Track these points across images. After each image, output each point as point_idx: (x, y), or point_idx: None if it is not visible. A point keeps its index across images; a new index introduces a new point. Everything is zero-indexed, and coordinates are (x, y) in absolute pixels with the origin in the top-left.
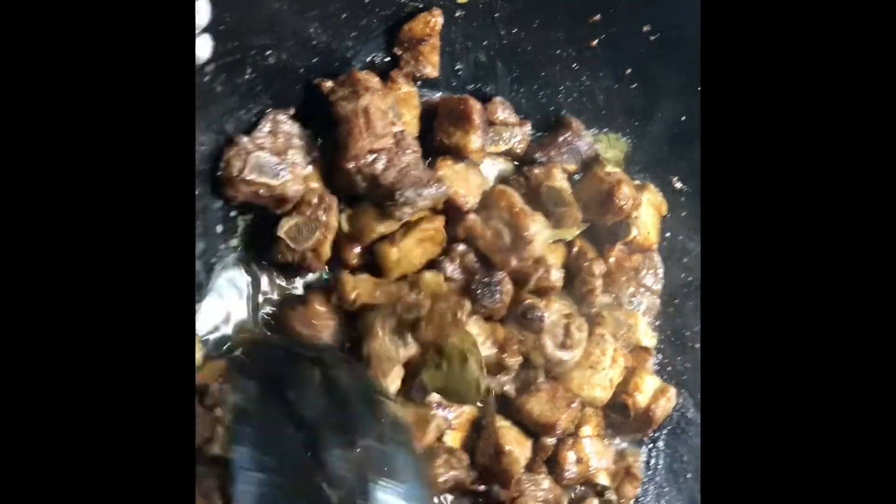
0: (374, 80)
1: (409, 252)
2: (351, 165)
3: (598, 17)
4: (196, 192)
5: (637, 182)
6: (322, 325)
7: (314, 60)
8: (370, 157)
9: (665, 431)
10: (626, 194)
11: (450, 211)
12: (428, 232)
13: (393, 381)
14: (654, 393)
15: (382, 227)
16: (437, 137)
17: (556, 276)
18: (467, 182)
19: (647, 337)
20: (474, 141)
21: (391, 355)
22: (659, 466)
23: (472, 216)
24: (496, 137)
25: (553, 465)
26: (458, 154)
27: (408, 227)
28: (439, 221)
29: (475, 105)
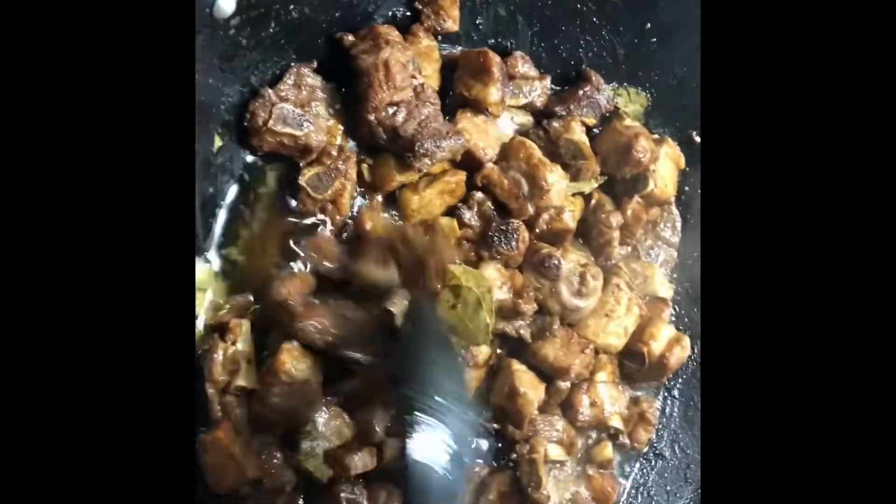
0: (394, 34)
1: (429, 202)
2: (372, 117)
3: None
4: (222, 143)
5: (656, 136)
6: (327, 249)
7: (336, 15)
8: (391, 110)
9: (681, 380)
10: (644, 147)
11: (469, 162)
12: (450, 185)
13: (398, 306)
14: (668, 342)
15: (402, 178)
16: (457, 90)
17: (568, 217)
18: (486, 135)
19: (664, 288)
20: (493, 94)
21: (373, 278)
22: (674, 414)
23: (490, 165)
24: (516, 91)
25: (568, 408)
26: (478, 107)
27: (432, 178)
28: (461, 175)
29: (494, 58)
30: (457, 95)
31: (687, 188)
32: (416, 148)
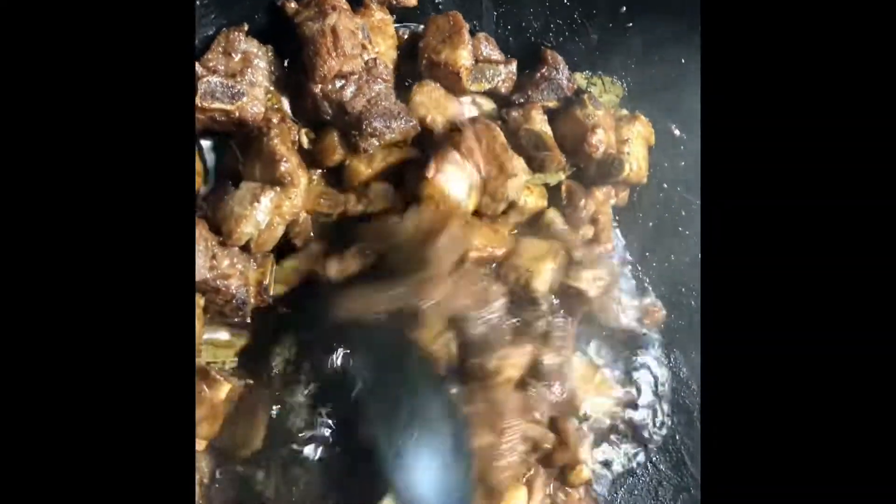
0: (342, 1)
1: (377, 173)
2: (317, 89)
3: None
4: None
5: (625, 113)
6: None
7: None
8: (338, 83)
9: None
10: (601, 139)
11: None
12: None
13: None
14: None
15: (342, 156)
16: (425, 56)
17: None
18: (445, 111)
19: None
20: (464, 56)
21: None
22: None
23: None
24: (479, 75)
25: None
26: (448, 72)
27: (388, 151)
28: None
29: (464, 21)
30: (425, 61)
31: (666, 186)
32: (364, 127)
